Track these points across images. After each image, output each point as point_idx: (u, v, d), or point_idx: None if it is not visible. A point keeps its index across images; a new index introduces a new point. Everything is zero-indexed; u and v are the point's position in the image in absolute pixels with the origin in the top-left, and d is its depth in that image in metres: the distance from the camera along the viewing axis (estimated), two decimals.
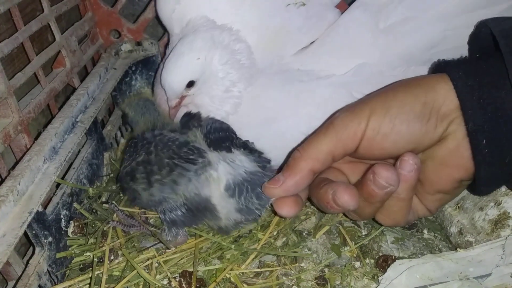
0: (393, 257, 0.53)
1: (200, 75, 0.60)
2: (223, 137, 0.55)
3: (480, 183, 0.46)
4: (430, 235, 0.58)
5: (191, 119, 0.59)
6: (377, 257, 0.54)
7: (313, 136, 0.49)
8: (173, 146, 0.53)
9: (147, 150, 0.54)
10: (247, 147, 0.55)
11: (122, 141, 0.78)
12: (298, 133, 0.56)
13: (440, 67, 0.47)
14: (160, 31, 0.88)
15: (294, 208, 0.49)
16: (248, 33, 0.60)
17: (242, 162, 0.54)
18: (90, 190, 0.63)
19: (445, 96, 0.44)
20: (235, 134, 0.58)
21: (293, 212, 0.49)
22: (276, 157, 0.56)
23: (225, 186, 0.52)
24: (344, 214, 0.58)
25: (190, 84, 0.61)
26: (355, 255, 0.55)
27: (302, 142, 0.49)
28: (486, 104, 0.42)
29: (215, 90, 0.62)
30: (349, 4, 0.78)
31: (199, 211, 0.54)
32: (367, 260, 0.55)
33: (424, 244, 0.57)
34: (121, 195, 0.66)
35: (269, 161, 0.56)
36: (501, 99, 0.42)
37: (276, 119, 0.60)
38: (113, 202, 0.62)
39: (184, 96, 0.62)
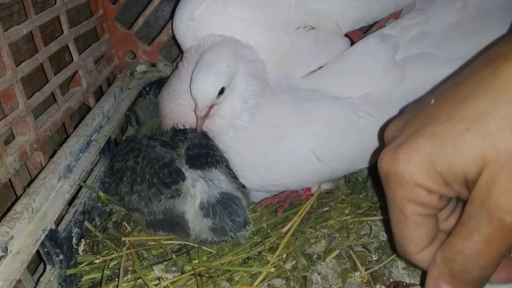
0: (404, 284, 0.52)
1: (229, 83, 0.62)
2: (201, 154, 0.60)
3: None
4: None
5: (178, 133, 0.64)
6: (388, 283, 0.54)
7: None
8: (156, 165, 0.58)
9: (136, 159, 0.60)
10: (227, 167, 0.61)
11: None
12: (305, 151, 0.57)
13: None
14: (174, 53, 0.90)
15: None
16: (259, 52, 0.62)
17: (220, 183, 0.58)
18: (102, 194, 0.63)
19: None
20: (215, 151, 0.62)
21: None
22: (283, 175, 0.57)
23: (200, 204, 0.56)
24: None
25: (221, 91, 0.62)
26: (365, 281, 0.55)
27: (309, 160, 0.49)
28: None
29: (237, 100, 0.63)
30: (364, 33, 0.80)
31: (171, 224, 0.58)
32: (377, 286, 0.54)
33: None
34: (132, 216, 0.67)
35: (244, 186, 0.61)
36: None
37: (284, 137, 0.61)
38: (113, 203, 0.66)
39: (213, 105, 0.63)
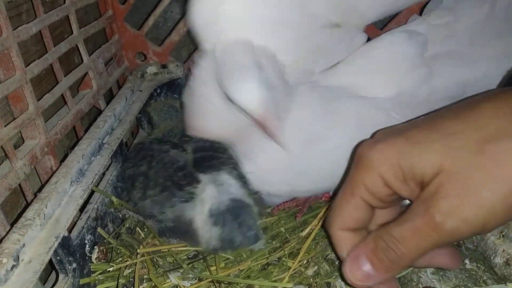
0: None
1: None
2: (204, 157, 0.58)
3: None
4: (473, 265, 0.55)
5: (184, 135, 0.62)
6: None
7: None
8: (170, 168, 0.57)
9: (149, 164, 0.58)
10: (236, 169, 0.57)
11: None
12: (342, 152, 0.54)
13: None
14: (185, 54, 0.88)
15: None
16: (283, 52, 0.59)
17: (230, 187, 0.55)
18: (115, 199, 0.61)
19: None
20: (219, 153, 0.59)
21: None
22: (313, 180, 0.54)
23: (209, 211, 0.53)
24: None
25: None
26: None
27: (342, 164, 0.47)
28: None
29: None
30: (380, 29, 0.77)
31: (181, 232, 0.56)
32: None
33: (467, 275, 0.53)
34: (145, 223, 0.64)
35: (256, 192, 0.58)
36: None
37: (318, 139, 0.58)
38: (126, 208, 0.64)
39: None
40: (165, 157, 0.58)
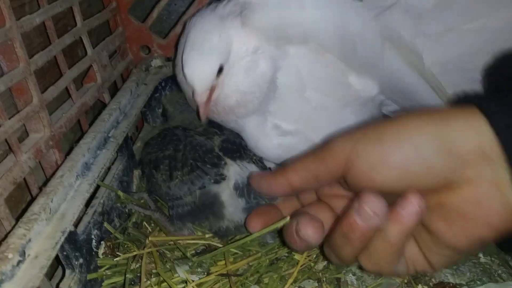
0: (451, 284, 0.48)
1: (227, 57, 0.55)
2: (233, 149, 0.60)
3: None
4: (487, 259, 0.54)
5: (213, 124, 0.64)
6: (430, 283, 0.50)
7: (306, 152, 0.44)
8: (199, 150, 0.58)
9: (176, 147, 0.59)
10: (258, 162, 0.60)
11: None
12: None
13: (465, 99, 0.39)
14: None
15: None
16: None
17: (251, 168, 0.59)
18: (121, 194, 0.60)
19: (463, 132, 0.36)
20: (247, 151, 0.61)
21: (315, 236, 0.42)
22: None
23: (234, 185, 0.56)
24: (324, 255, 0.49)
25: (220, 69, 0.55)
26: (406, 281, 0.51)
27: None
28: None
29: (240, 72, 0.56)
30: None
31: (205, 207, 0.57)
32: (419, 287, 0.50)
33: (482, 269, 0.52)
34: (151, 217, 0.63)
35: None
36: None
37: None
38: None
39: (214, 87, 0.56)
40: (192, 140, 0.60)
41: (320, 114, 0.60)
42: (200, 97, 0.55)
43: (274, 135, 0.60)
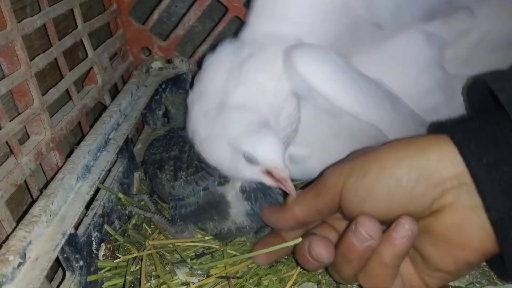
0: (451, 287, 0.48)
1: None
2: None
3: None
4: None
5: None
6: None
7: (308, 187, 0.48)
8: None
9: (182, 148, 0.59)
10: None
11: None
12: None
13: (438, 128, 0.41)
14: (190, 48, 0.87)
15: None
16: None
17: None
18: (121, 196, 0.60)
19: (438, 161, 0.39)
20: None
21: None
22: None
23: (241, 187, 0.57)
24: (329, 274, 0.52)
25: None
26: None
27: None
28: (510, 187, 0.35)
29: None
30: None
31: (211, 207, 0.57)
32: None
33: (480, 272, 0.52)
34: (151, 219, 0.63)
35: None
36: None
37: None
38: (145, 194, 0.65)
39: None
40: None
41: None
42: (284, 172, 0.50)
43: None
